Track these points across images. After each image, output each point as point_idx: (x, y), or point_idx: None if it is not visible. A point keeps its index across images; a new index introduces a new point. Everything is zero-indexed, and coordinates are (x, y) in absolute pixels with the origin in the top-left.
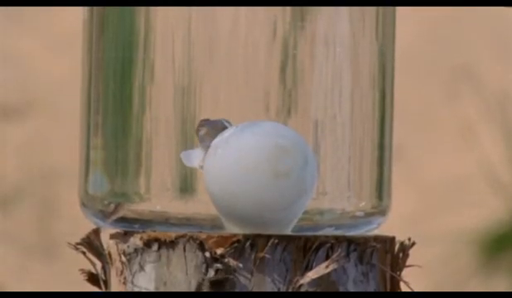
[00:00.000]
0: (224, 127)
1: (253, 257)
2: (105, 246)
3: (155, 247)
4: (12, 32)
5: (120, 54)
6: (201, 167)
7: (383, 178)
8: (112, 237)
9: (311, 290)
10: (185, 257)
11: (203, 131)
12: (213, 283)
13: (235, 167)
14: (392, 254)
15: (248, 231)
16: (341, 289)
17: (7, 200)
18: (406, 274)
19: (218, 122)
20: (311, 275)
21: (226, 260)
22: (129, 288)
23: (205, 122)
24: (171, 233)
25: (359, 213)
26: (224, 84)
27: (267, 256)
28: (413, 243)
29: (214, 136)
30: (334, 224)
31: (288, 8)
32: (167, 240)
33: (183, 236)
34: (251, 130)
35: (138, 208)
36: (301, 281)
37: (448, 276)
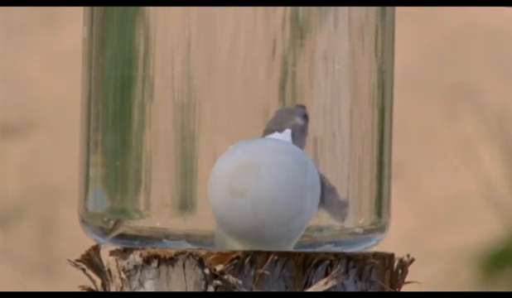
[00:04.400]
0: (293, 116)
1: (252, 273)
2: (105, 263)
3: (154, 263)
4: (11, 52)
5: (120, 72)
6: None
7: (382, 195)
8: (111, 253)
9: None
10: (184, 274)
11: (272, 116)
12: None
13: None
14: (391, 271)
15: (248, 247)
16: None
17: (8, 218)
18: (405, 291)
19: (287, 112)
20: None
21: (226, 276)
22: None
23: (280, 109)
24: (171, 250)
25: (358, 230)
26: (223, 102)
27: (266, 272)
28: (412, 260)
29: (271, 126)
30: (333, 241)
31: (288, 26)
32: (167, 257)
33: (183, 253)
34: (243, 146)
35: (138, 224)
36: None
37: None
